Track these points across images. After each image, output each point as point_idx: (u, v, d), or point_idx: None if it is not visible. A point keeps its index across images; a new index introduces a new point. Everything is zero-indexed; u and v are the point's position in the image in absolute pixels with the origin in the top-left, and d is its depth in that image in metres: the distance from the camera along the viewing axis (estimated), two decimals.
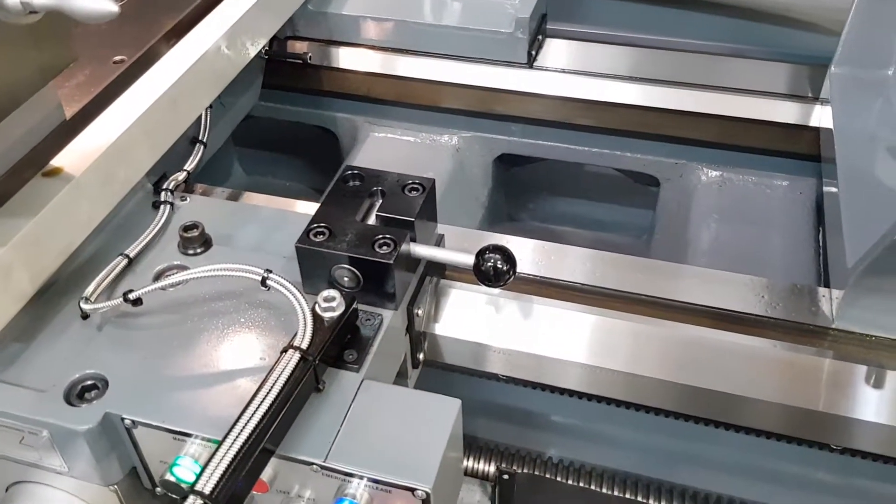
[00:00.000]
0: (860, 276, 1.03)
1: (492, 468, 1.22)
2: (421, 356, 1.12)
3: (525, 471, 1.19)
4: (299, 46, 1.70)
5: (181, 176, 1.23)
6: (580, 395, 1.16)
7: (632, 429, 1.26)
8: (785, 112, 1.54)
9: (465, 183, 1.74)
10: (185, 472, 0.84)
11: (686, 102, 1.59)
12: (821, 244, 1.39)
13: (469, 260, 0.99)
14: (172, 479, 0.85)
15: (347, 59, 1.71)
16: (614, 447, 1.28)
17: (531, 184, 1.92)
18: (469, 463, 1.24)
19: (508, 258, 0.99)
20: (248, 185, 2.01)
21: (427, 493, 0.80)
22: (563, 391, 1.17)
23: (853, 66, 1.45)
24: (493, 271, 0.98)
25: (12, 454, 0.91)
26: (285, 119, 1.81)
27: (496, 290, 1.13)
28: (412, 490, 0.81)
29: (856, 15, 1.41)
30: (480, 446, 1.27)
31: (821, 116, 1.48)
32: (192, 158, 1.31)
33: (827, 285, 1.19)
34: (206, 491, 0.73)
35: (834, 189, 1.27)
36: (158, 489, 0.93)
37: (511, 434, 1.32)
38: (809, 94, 1.52)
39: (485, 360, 1.14)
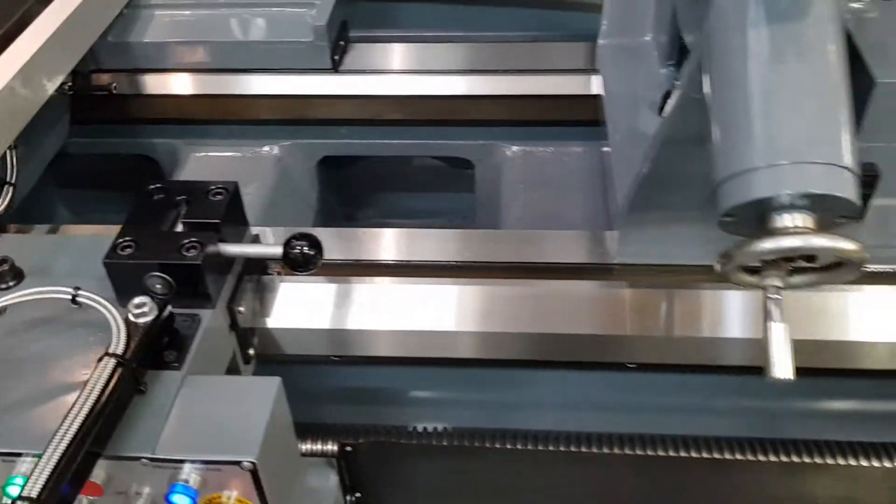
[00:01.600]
0: (625, 214, 1.18)
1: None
2: (251, 352, 1.18)
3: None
4: (104, 78, 1.71)
5: None
6: (412, 361, 1.26)
7: (462, 387, 1.37)
8: (570, 85, 1.70)
9: (291, 190, 1.81)
10: (17, 489, 0.87)
11: (486, 87, 1.73)
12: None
13: (277, 251, 1.06)
14: (8, 500, 0.87)
15: (156, 84, 1.74)
16: (452, 407, 1.39)
17: (359, 182, 2.01)
18: (318, 446, 1.30)
19: (314, 244, 1.06)
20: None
21: (253, 464, 0.87)
22: (398, 361, 1.27)
23: (616, 38, 1.63)
24: (302, 257, 1.06)
25: None
26: (104, 152, 1.81)
27: (322, 279, 1.22)
28: (238, 463, 0.87)
29: None
30: (329, 430, 1.34)
31: (598, 85, 1.65)
32: (1, 200, 1.31)
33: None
34: (33, 495, 0.77)
35: (608, 148, 1.44)
36: None
37: (357, 413, 1.40)
38: (587, 66, 1.69)
39: (316, 344, 1.22)
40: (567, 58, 1.74)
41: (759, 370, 0.88)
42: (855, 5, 1.12)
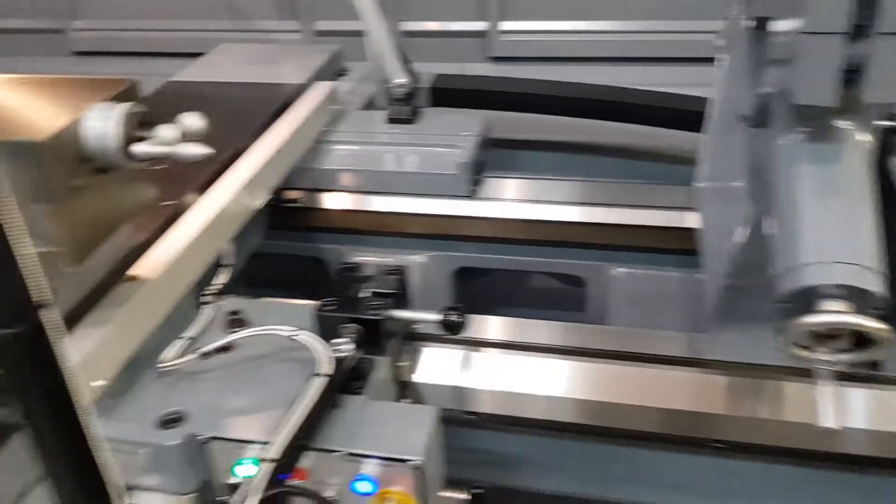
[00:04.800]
0: (714, 318, 1.47)
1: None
2: (404, 402, 1.50)
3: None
4: (293, 194, 2.17)
5: (219, 286, 1.63)
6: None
7: (573, 455, 1.64)
8: (668, 219, 2.03)
9: (430, 293, 2.17)
10: (244, 469, 1.20)
11: (598, 216, 2.08)
12: None
13: (437, 317, 1.40)
14: (236, 478, 1.19)
15: (330, 201, 2.18)
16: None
17: (485, 294, 2.36)
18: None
19: (462, 314, 1.40)
20: None
21: (421, 462, 1.17)
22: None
23: (712, 181, 1.96)
24: (454, 323, 1.39)
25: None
26: (282, 253, 2.24)
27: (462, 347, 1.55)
28: (406, 461, 1.17)
29: (705, 147, 1.94)
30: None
31: (692, 220, 1.97)
32: (223, 275, 1.72)
33: None
34: (275, 456, 1.09)
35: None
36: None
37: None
38: (682, 205, 2.02)
39: (455, 400, 1.53)
40: (664, 197, 2.08)
41: None
42: None
